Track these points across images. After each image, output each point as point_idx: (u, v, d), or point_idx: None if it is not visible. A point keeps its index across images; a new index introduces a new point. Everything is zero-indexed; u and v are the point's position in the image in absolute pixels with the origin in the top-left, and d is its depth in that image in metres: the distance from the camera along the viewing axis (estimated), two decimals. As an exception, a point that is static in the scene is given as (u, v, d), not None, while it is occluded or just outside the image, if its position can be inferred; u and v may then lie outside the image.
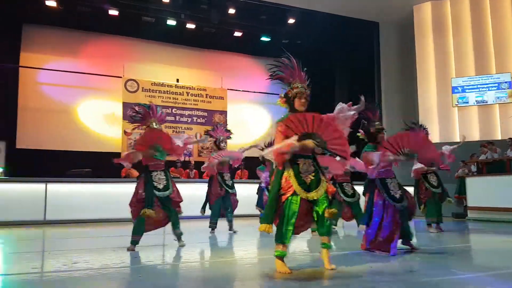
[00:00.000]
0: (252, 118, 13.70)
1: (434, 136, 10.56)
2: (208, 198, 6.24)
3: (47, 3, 10.93)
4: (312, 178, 3.45)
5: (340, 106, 3.64)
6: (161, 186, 4.70)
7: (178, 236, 4.83)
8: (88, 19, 11.63)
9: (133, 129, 5.10)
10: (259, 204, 7.16)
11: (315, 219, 3.43)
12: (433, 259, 3.97)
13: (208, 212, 6.28)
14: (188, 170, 11.14)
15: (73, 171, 8.62)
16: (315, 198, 3.41)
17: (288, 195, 3.43)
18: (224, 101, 13.21)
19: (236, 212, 6.36)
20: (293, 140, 3.26)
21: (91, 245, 5.09)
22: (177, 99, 12.64)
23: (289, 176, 3.45)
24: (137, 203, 4.66)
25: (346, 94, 13.50)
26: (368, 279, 2.97)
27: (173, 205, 4.81)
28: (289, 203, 3.42)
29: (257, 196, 7.33)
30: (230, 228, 6.19)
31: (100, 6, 11.36)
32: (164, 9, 11.63)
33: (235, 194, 6.33)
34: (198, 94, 12.93)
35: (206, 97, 12.99)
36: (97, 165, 9.89)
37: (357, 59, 13.25)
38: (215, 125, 6.63)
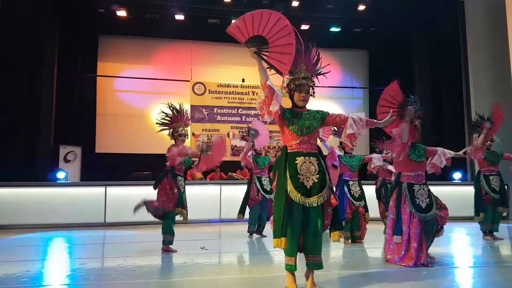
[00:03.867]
0: (323, 115, 12.98)
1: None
2: (246, 202, 5.96)
3: (118, 13, 11.46)
4: (316, 180, 2.91)
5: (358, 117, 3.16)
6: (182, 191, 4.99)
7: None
8: (157, 26, 11.93)
9: (161, 130, 5.09)
10: None
11: (309, 231, 2.88)
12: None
13: (247, 215, 6.05)
14: (254, 170, 10.87)
15: (134, 174, 8.86)
16: (315, 205, 2.86)
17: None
18: (293, 98, 12.71)
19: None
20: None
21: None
22: (243, 99, 12.47)
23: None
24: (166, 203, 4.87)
25: (429, 81, 12.12)
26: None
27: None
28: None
29: None
30: (260, 232, 6.01)
31: (167, 12, 11.62)
32: (228, 9, 11.50)
33: (272, 200, 5.92)
34: (264, 93, 12.61)
35: (273, 95, 12.62)
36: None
37: (440, 42, 11.80)
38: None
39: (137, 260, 4.51)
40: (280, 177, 2.94)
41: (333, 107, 13.33)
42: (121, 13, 11.50)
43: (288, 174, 2.89)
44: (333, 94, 13.31)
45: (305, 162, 2.93)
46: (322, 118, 3.10)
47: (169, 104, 5.05)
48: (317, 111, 3.15)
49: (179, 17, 11.66)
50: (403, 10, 11.58)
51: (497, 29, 10.36)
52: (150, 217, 7.82)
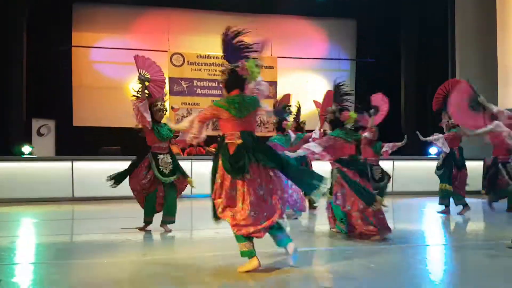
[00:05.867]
0: (308, 88, 12.58)
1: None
2: None
3: (92, -21, 10.94)
4: None
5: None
6: (167, 171, 4.68)
7: (167, 222, 4.76)
8: (133, -8, 11.43)
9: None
10: None
11: None
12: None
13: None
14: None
15: (104, 149, 8.64)
16: None
17: None
18: (274, 71, 12.29)
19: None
20: None
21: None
22: (224, 71, 12.05)
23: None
24: (141, 190, 4.72)
25: (415, 53, 11.76)
26: None
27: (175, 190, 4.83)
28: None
29: None
30: None
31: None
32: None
33: None
34: (246, 65, 12.18)
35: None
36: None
37: (429, 12, 11.38)
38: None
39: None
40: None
41: (319, 80, 12.96)
42: (96, -22, 10.98)
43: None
44: (319, 66, 12.92)
45: None
46: None
47: (142, 76, 4.81)
48: None
49: (157, -18, 11.15)
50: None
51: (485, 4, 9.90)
52: (119, 192, 7.74)
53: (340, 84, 4.55)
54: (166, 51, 11.74)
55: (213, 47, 12.13)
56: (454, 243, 4.37)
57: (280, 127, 5.92)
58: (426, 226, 5.57)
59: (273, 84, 12.22)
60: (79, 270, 3.16)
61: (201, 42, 12.10)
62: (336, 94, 4.54)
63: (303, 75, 12.78)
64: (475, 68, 9.83)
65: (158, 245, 4.17)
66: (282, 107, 6.01)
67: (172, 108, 11.64)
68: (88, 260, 3.43)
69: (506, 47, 9.07)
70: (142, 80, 4.74)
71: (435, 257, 3.64)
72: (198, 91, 11.91)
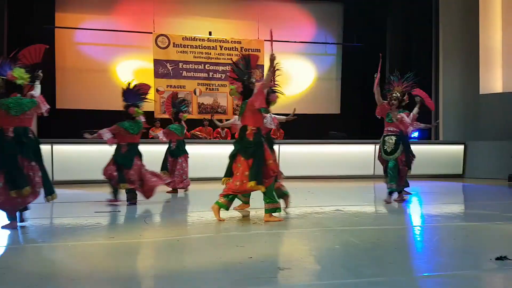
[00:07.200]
0: (294, 71, 12.54)
1: (497, 84, 8.63)
2: None
3: (75, -41, 10.70)
4: None
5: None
6: None
7: None
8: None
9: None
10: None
11: None
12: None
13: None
14: (219, 129, 10.58)
15: (84, 132, 8.53)
16: None
17: None
18: (261, 54, 12.16)
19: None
20: None
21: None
22: (210, 53, 11.92)
23: None
24: None
25: (401, 38, 11.74)
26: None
27: None
28: None
29: None
30: None
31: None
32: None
33: None
34: (233, 48, 12.06)
35: (241, 50, 12.06)
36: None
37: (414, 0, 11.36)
38: None
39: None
40: None
41: (305, 64, 12.90)
42: (78, -42, 10.74)
43: None
44: (305, 50, 12.85)
45: None
46: None
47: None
48: None
49: (142, -38, 10.94)
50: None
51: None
52: (99, 176, 7.70)
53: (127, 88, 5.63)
54: (151, 33, 11.57)
55: (199, 29, 12.05)
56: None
57: (177, 118, 6.70)
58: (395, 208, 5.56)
59: (260, 67, 12.12)
60: (40, 254, 3.16)
61: (187, 24, 11.97)
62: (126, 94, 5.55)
63: (290, 58, 12.68)
64: (458, 52, 9.84)
65: (127, 229, 4.16)
66: (179, 101, 6.87)
67: (157, 90, 11.70)
68: (54, 243, 3.43)
69: (488, 32, 9.08)
70: None
71: (402, 238, 3.68)
72: (184, 73, 11.79)
